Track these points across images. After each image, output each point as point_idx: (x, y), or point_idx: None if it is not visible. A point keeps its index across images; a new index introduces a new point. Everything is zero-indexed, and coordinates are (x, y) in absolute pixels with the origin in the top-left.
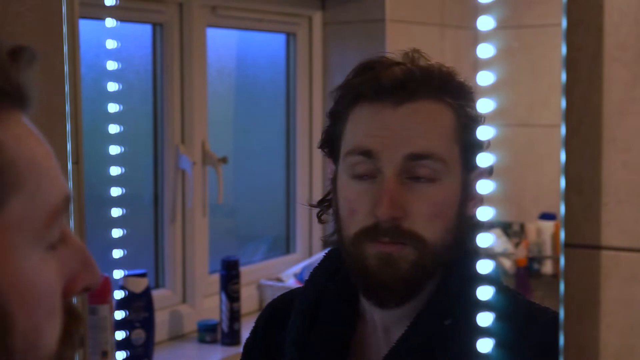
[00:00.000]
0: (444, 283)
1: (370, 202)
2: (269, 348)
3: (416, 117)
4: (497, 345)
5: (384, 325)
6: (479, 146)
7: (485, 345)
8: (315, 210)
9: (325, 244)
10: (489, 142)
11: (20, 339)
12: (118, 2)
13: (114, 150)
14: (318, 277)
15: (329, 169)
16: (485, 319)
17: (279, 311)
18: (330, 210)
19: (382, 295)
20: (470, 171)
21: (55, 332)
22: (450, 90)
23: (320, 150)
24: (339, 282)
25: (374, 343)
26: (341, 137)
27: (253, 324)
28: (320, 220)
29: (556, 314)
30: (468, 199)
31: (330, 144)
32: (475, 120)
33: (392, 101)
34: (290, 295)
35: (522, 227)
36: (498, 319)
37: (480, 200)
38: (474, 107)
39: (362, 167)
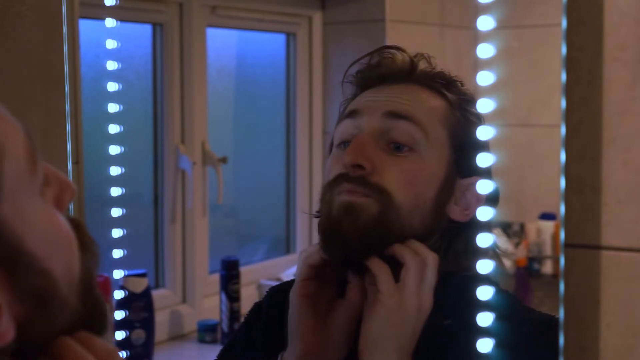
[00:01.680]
0: (443, 285)
1: (344, 155)
2: (271, 332)
3: (405, 92)
4: (497, 346)
5: None
6: (476, 154)
7: (485, 345)
8: (316, 210)
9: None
10: (487, 146)
11: (63, 285)
12: (118, 2)
13: (114, 150)
14: None
15: None
16: (485, 319)
17: (283, 295)
18: None
19: (338, 246)
20: (462, 174)
21: (77, 259)
22: (450, 88)
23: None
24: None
25: None
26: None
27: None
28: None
29: (556, 319)
30: (453, 198)
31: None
32: (474, 126)
33: (387, 83)
34: (277, 291)
35: (522, 227)
36: (498, 319)
37: (472, 215)
38: (474, 115)
39: (346, 130)
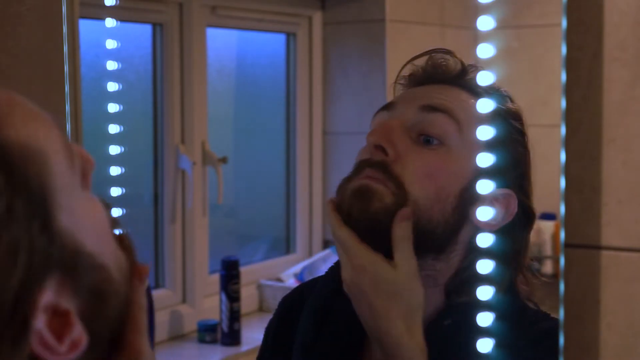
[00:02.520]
0: (448, 309)
1: (368, 139)
2: (285, 339)
3: (447, 91)
4: (497, 346)
5: None
6: (510, 164)
7: (485, 345)
8: (316, 210)
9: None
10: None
11: (116, 275)
12: (118, 2)
13: (114, 150)
14: (332, 276)
15: None
16: (485, 318)
17: (291, 305)
18: None
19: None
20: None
21: (115, 248)
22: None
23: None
24: None
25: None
26: None
27: (252, 323)
28: None
29: (556, 321)
30: (478, 201)
31: None
32: (512, 136)
33: (433, 82)
34: (299, 291)
35: None
36: (498, 319)
37: (498, 226)
38: (514, 129)
39: (380, 122)
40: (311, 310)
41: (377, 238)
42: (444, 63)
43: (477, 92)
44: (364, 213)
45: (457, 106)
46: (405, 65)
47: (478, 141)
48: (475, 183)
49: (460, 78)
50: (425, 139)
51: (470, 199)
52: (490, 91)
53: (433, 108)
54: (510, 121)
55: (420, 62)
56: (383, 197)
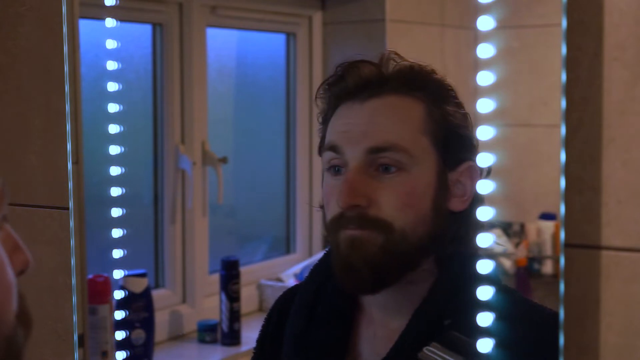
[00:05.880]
0: (440, 278)
1: (337, 193)
2: (277, 341)
3: (379, 111)
4: (497, 346)
5: (382, 318)
6: (460, 143)
7: (485, 345)
8: (316, 210)
9: (323, 237)
10: (477, 141)
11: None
12: (118, 2)
13: (114, 150)
14: (317, 272)
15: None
16: (484, 318)
17: (286, 304)
18: None
19: (353, 280)
20: (451, 167)
21: (14, 305)
22: (422, 87)
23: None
24: None
25: (371, 337)
26: (324, 137)
27: (252, 323)
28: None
29: (554, 313)
30: (449, 194)
31: (321, 145)
32: (453, 116)
33: (359, 98)
34: (295, 289)
35: (522, 227)
36: (497, 318)
37: (471, 199)
38: (452, 104)
39: (334, 161)
40: (299, 304)
41: (385, 274)
42: (359, 73)
43: (404, 91)
44: (364, 260)
45: (397, 131)
46: (322, 84)
47: (426, 150)
48: (440, 186)
49: (382, 84)
50: (384, 168)
51: (442, 201)
52: (414, 79)
53: (379, 149)
54: (445, 100)
55: (337, 72)
56: (375, 240)
